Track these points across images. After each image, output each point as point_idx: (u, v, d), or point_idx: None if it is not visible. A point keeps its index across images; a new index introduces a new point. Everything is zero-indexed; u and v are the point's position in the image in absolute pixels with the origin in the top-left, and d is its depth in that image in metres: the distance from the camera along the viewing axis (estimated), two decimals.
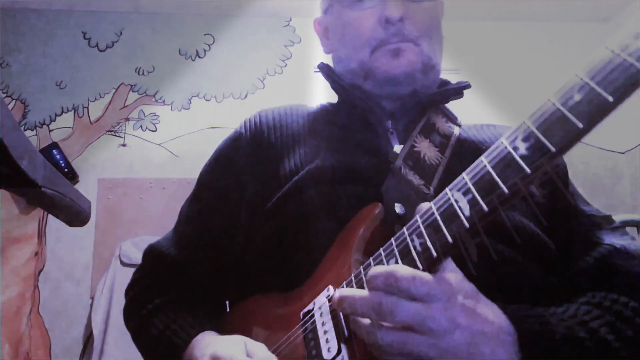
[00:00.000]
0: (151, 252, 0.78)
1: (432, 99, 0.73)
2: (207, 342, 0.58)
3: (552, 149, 0.40)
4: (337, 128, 0.73)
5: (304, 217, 0.63)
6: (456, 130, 0.72)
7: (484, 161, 0.45)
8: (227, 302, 0.77)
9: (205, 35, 2.47)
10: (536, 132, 0.42)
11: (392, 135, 0.71)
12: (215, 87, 2.43)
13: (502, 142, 0.45)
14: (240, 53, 2.48)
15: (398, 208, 0.58)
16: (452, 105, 0.78)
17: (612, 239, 0.62)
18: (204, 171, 0.79)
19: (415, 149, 0.67)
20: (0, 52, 2.32)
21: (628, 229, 1.43)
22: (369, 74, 0.70)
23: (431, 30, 0.71)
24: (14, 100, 2.32)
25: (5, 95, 2.30)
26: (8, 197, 2.14)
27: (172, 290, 0.72)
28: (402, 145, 0.68)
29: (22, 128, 2.27)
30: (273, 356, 0.52)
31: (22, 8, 2.39)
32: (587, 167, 2.48)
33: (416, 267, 0.45)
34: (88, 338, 2.08)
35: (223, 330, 0.64)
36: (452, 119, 0.75)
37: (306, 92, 2.37)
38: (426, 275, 0.43)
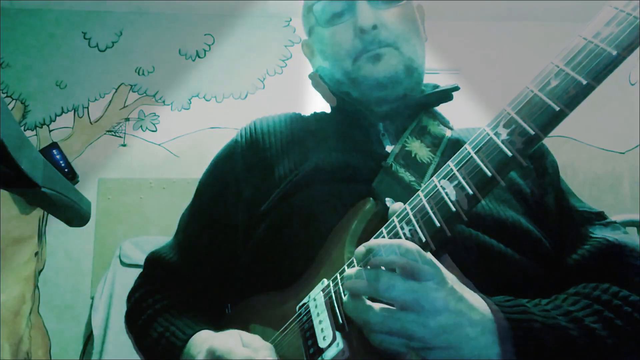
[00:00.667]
0: (152, 259, 0.80)
1: (422, 101, 0.75)
2: (204, 339, 0.59)
3: (531, 132, 0.43)
4: (330, 132, 0.75)
5: (299, 216, 0.65)
6: (447, 133, 0.74)
7: (467, 148, 0.48)
8: (229, 305, 0.78)
9: (205, 35, 2.47)
10: (515, 117, 0.45)
11: (384, 137, 0.73)
12: (215, 87, 2.43)
13: (484, 130, 0.47)
14: (240, 53, 2.48)
15: (389, 202, 0.59)
16: (451, 105, 0.79)
17: (605, 233, 0.63)
18: (202, 179, 0.81)
19: (407, 148, 0.69)
20: (0, 52, 2.32)
21: (629, 229, 1.43)
22: (354, 82, 0.73)
23: (409, 33, 0.73)
24: (14, 100, 2.32)
25: (5, 95, 2.30)
26: (8, 197, 2.14)
27: (172, 295, 0.74)
28: (393, 146, 0.70)
29: (22, 128, 2.27)
30: (269, 345, 0.53)
31: (22, 8, 2.39)
32: (587, 167, 2.48)
33: None
34: (88, 338, 2.08)
35: (222, 326, 0.65)
36: (443, 122, 0.77)
37: (306, 92, 2.37)
38: (421, 253, 0.45)
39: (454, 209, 0.45)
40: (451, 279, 0.46)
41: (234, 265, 0.72)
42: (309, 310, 0.53)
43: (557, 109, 0.42)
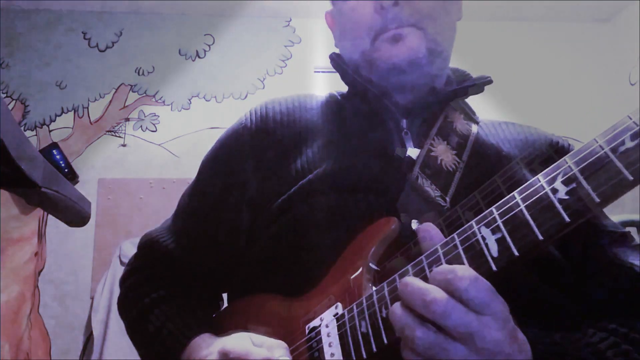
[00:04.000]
0: (148, 242, 0.75)
1: (452, 95, 0.68)
2: (211, 342, 0.57)
3: (597, 199, 0.36)
4: (347, 126, 0.69)
5: (310, 223, 0.61)
6: (474, 129, 0.67)
7: (517, 198, 0.41)
8: (225, 297, 0.75)
9: (205, 35, 2.47)
10: (579, 176, 0.38)
11: (407, 136, 0.66)
12: (215, 87, 2.43)
13: (538, 180, 0.40)
14: (240, 53, 2.48)
15: (414, 224, 0.54)
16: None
17: (633, 259, 0.58)
18: (206, 161, 0.76)
19: (432, 153, 0.62)
20: (0, 52, 2.32)
21: (628, 228, 1.43)
22: (372, 64, 0.66)
23: (436, 12, 0.65)
24: (14, 100, 2.32)
25: (5, 95, 2.30)
26: (8, 197, 2.14)
27: (168, 285, 0.70)
28: (418, 150, 0.63)
29: (22, 128, 2.27)
30: (282, 343, 0.51)
31: (22, 8, 2.39)
32: None
33: None
34: (88, 338, 2.08)
35: (220, 325, 0.63)
36: (470, 115, 0.70)
37: (306, 92, 2.37)
38: (487, 283, 0.40)
39: (494, 267, 0.40)
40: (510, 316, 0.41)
41: (235, 259, 0.69)
42: (320, 337, 0.50)
43: (631, 178, 0.35)
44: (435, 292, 0.40)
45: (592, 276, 0.59)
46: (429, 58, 0.64)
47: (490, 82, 0.70)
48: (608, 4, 2.49)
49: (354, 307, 0.49)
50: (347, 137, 0.67)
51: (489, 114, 0.77)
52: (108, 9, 2.43)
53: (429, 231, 0.48)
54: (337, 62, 0.72)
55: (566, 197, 0.38)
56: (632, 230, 1.44)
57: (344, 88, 0.75)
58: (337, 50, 0.75)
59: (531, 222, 0.39)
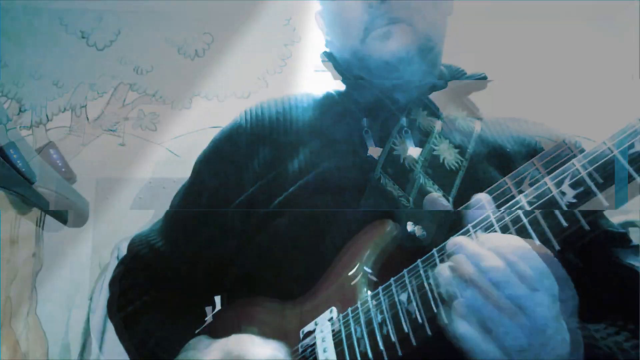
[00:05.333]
0: (137, 244, 0.75)
1: (454, 91, 0.68)
2: (208, 343, 0.57)
3: (605, 203, 0.37)
4: (344, 125, 0.68)
5: (307, 224, 0.60)
6: (477, 126, 0.68)
7: (523, 201, 0.41)
8: (219, 298, 0.75)
9: (204, 34, 2.46)
10: (588, 180, 0.38)
11: (407, 134, 0.65)
12: (216, 86, 2.42)
13: (545, 183, 0.41)
14: (239, 52, 2.47)
15: (410, 226, 0.53)
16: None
17: (631, 259, 0.59)
18: (200, 162, 0.76)
19: (435, 152, 0.62)
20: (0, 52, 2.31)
21: (630, 229, 1.43)
22: (363, 62, 0.66)
23: (425, 8, 0.66)
24: (10, 100, 2.30)
25: (1, 94, 2.29)
26: (5, 198, 2.13)
27: (158, 288, 0.70)
28: (419, 149, 0.63)
29: (18, 127, 2.26)
30: (282, 345, 0.51)
31: (21, 7, 2.38)
32: None
33: (432, 305, 0.41)
34: (87, 338, 2.07)
35: (216, 327, 0.63)
36: (473, 112, 0.70)
37: (305, 92, 2.37)
38: (539, 258, 0.38)
39: None
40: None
41: (228, 262, 0.68)
42: (315, 342, 0.50)
43: None
44: (493, 260, 0.38)
45: (592, 276, 0.58)
46: (420, 55, 0.65)
47: (484, 78, 0.70)
48: (608, 3, 2.49)
49: (349, 312, 0.49)
50: (343, 137, 0.67)
51: (495, 112, 0.76)
52: (106, 8, 2.42)
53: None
54: (329, 62, 0.73)
55: (574, 200, 0.38)
56: (633, 231, 1.43)
57: (343, 87, 0.75)
58: (328, 50, 0.76)
59: (545, 225, 0.39)
